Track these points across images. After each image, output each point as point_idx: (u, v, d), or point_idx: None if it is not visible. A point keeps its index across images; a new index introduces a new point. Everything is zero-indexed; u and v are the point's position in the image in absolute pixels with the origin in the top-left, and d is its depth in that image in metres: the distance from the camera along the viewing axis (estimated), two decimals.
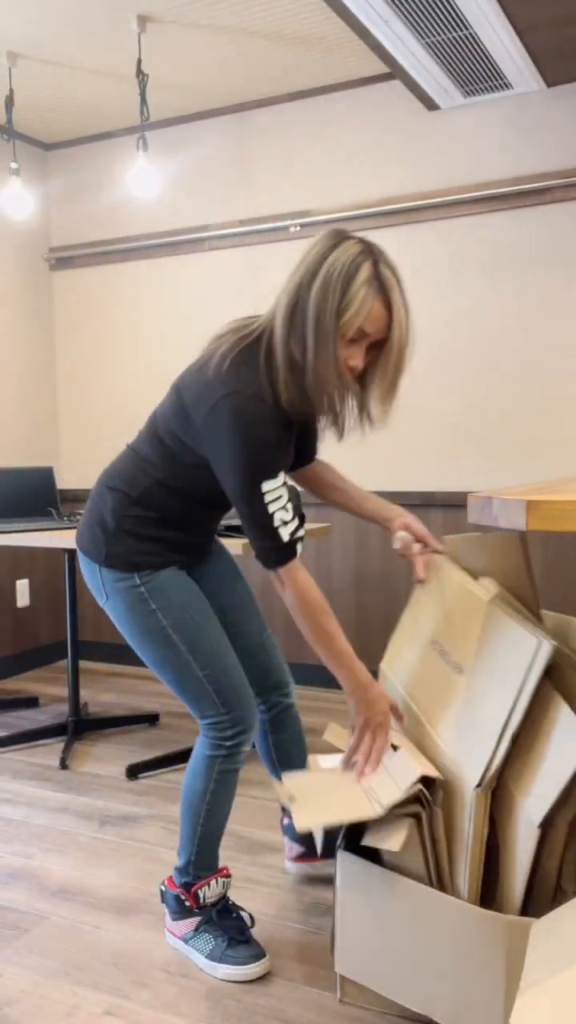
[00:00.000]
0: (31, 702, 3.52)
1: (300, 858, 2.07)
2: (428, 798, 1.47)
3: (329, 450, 3.69)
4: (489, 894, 1.48)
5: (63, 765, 2.83)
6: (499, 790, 1.45)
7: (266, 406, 1.54)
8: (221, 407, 1.53)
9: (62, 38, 3.10)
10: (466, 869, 1.44)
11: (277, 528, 1.56)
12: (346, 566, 3.66)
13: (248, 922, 1.78)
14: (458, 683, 1.58)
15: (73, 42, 3.13)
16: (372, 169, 3.51)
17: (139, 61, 3.17)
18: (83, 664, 4.19)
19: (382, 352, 1.55)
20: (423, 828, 1.47)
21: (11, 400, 4.01)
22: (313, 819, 1.51)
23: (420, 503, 3.49)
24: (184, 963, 1.75)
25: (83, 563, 1.76)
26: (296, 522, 1.58)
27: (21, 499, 3.18)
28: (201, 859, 1.77)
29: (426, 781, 1.48)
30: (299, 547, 1.60)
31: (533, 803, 1.37)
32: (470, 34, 2.71)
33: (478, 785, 1.41)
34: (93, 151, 4.08)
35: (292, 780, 1.66)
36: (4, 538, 2.76)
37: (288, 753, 2.01)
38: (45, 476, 3.27)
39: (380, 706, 1.64)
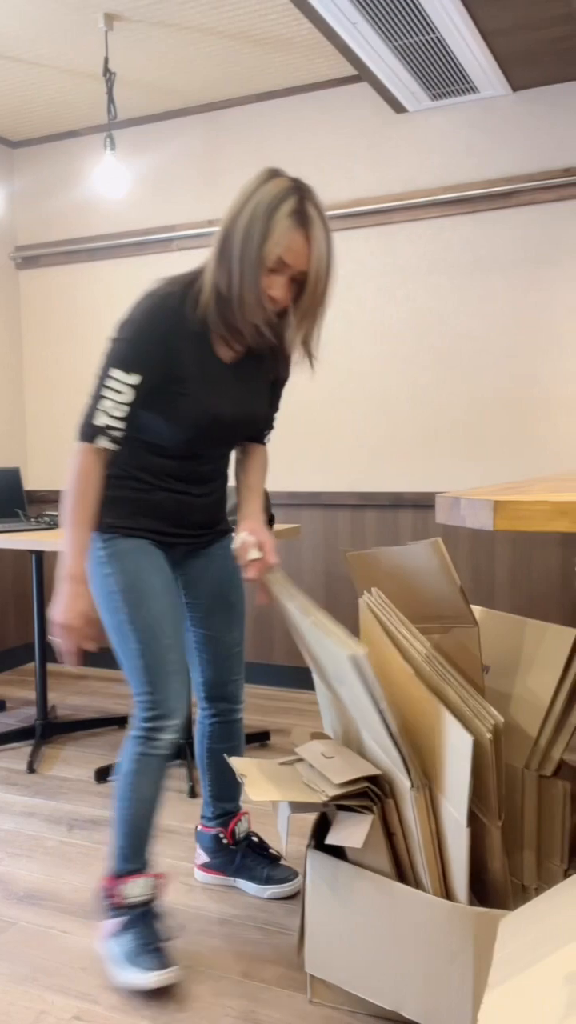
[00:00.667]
0: None
1: (205, 867, 2.05)
2: (377, 793, 1.48)
3: (299, 451, 3.71)
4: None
5: (31, 769, 2.81)
6: (431, 791, 1.46)
7: (165, 307, 1.60)
8: (134, 303, 1.63)
9: (28, 35, 3.07)
10: (424, 865, 1.45)
11: (98, 409, 1.59)
12: (315, 567, 3.66)
13: (168, 933, 1.73)
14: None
15: (39, 39, 3.11)
16: (341, 170, 3.52)
17: (106, 59, 3.15)
18: (51, 667, 4.15)
19: (303, 287, 1.60)
20: (380, 823, 1.48)
21: None
22: (264, 792, 1.51)
23: (389, 503, 3.51)
24: None
25: None
26: (118, 424, 1.60)
27: None
28: (126, 850, 1.72)
29: (375, 779, 1.48)
30: (104, 442, 1.60)
31: (453, 805, 1.39)
32: (437, 38, 2.73)
33: (412, 786, 1.42)
34: (60, 149, 4.04)
35: (241, 763, 1.65)
36: None
37: (220, 766, 1.99)
38: (12, 477, 3.24)
39: (75, 608, 1.61)
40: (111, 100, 3.23)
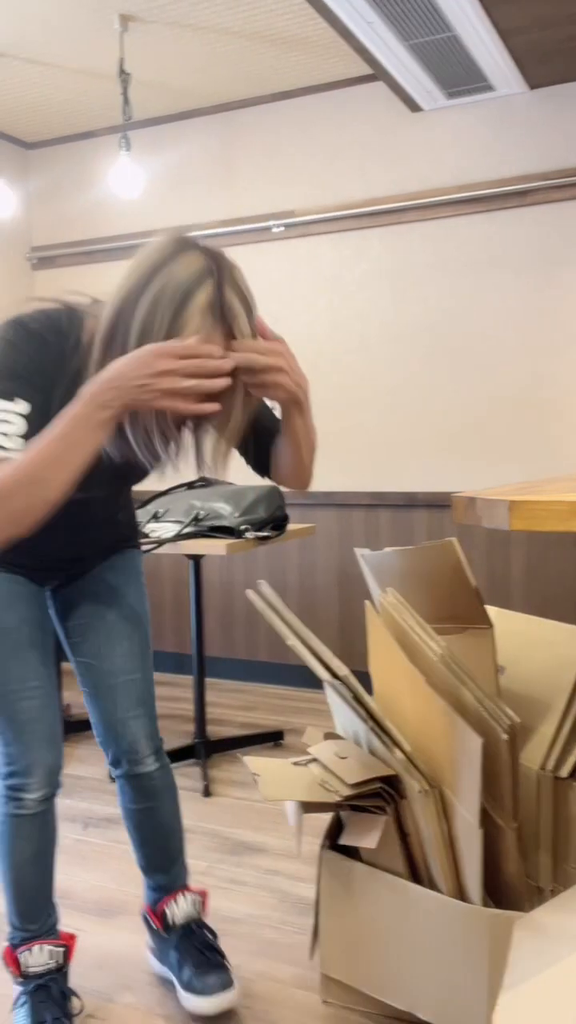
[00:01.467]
0: None
1: (150, 949, 1.72)
2: (391, 793, 1.47)
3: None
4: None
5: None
6: (443, 794, 1.46)
7: (31, 331, 1.29)
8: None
9: (44, 37, 3.08)
10: (437, 867, 1.45)
11: None
12: (330, 567, 3.66)
13: (72, 1010, 1.52)
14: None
15: (55, 41, 3.12)
16: (355, 170, 3.51)
17: (121, 60, 3.16)
18: (65, 666, 4.16)
19: (222, 396, 1.18)
20: (394, 824, 1.47)
21: None
22: (278, 792, 1.51)
23: (404, 503, 3.50)
24: None
25: None
26: (10, 445, 1.21)
27: None
28: (14, 916, 1.53)
29: (388, 779, 1.48)
30: None
31: (465, 807, 1.39)
32: (453, 36, 2.72)
33: (419, 788, 1.42)
34: (75, 150, 4.06)
35: (255, 762, 1.65)
36: None
37: (139, 830, 1.65)
38: None
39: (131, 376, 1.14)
40: (126, 101, 3.24)
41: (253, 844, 2.26)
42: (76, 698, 3.61)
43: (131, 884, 2.07)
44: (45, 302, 1.36)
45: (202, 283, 1.19)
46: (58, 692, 1.50)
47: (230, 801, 2.53)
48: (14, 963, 1.52)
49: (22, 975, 1.51)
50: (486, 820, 1.43)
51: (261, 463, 1.48)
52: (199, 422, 1.27)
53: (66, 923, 1.90)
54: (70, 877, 2.10)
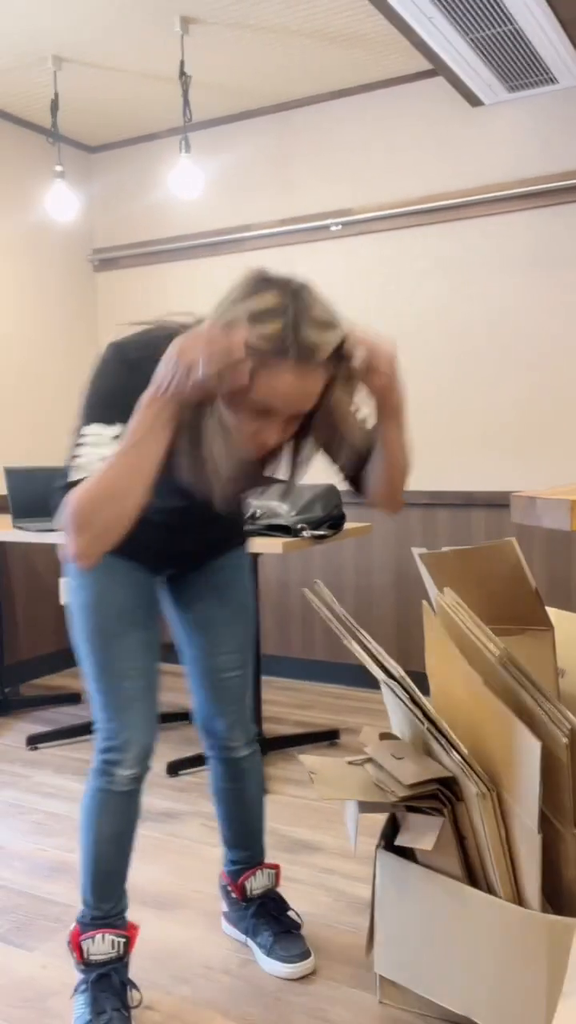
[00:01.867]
0: (73, 698, 3.57)
1: (225, 917, 1.85)
2: (448, 796, 1.46)
3: None
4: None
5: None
6: (501, 797, 1.44)
7: (122, 357, 1.36)
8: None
9: (106, 41, 3.13)
10: (494, 871, 1.43)
11: (72, 468, 1.31)
12: (386, 566, 3.64)
13: (131, 1002, 1.55)
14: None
15: (117, 45, 3.16)
16: (414, 166, 3.49)
17: (182, 63, 3.19)
18: None
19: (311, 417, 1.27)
20: (451, 826, 1.46)
21: (55, 400, 4.06)
22: (333, 791, 1.51)
23: (462, 503, 3.47)
24: (225, 959, 1.76)
25: None
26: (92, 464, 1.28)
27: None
28: (87, 892, 1.58)
29: (445, 781, 1.47)
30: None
31: (524, 811, 1.36)
32: (514, 29, 2.68)
33: (477, 791, 1.40)
34: (136, 153, 4.11)
35: (311, 760, 1.65)
36: (47, 536, 2.79)
37: (227, 809, 1.76)
38: None
39: (183, 357, 1.20)
40: (186, 103, 3.27)
41: (309, 842, 2.26)
42: None
43: (188, 878, 2.09)
44: (147, 325, 1.43)
45: (276, 322, 1.20)
46: (158, 676, 1.59)
47: (286, 799, 2.54)
48: (78, 949, 1.55)
49: (84, 963, 1.55)
50: (545, 825, 1.41)
51: (356, 482, 1.50)
52: (287, 430, 1.31)
53: None
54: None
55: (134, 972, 1.71)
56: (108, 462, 1.24)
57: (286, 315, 1.20)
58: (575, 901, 1.46)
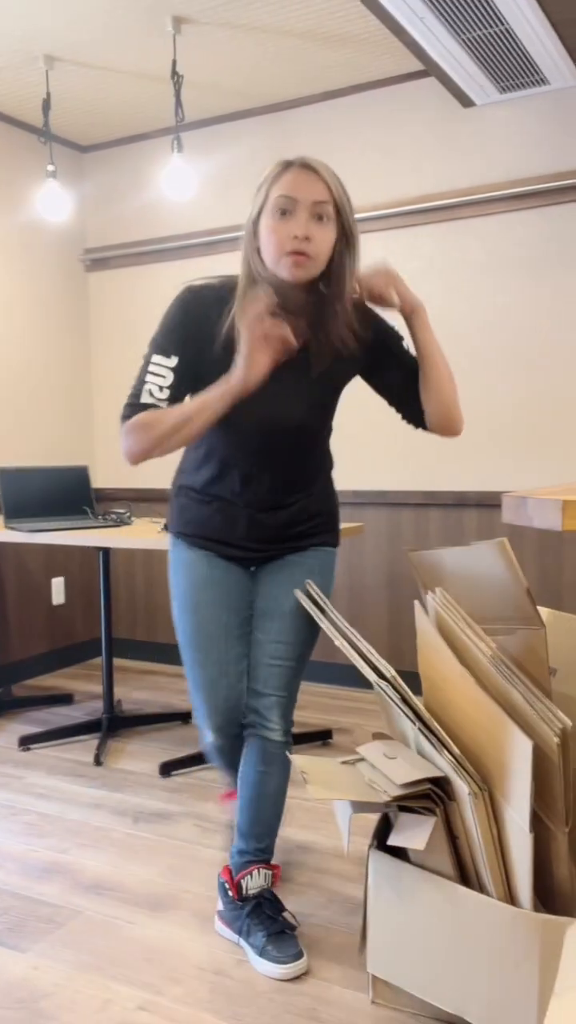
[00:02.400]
0: (66, 699, 3.56)
1: (219, 916, 1.86)
2: (440, 795, 1.46)
3: (363, 449, 3.69)
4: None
5: (97, 762, 2.86)
6: (492, 797, 1.44)
7: (191, 295, 1.66)
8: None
9: (98, 41, 3.13)
10: (487, 870, 1.43)
11: (139, 391, 1.63)
12: (379, 566, 3.65)
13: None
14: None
15: (109, 45, 3.16)
16: (407, 167, 3.49)
17: (174, 63, 3.18)
18: (117, 662, 4.23)
19: (334, 219, 1.59)
20: (443, 825, 1.46)
21: (47, 400, 4.05)
22: (326, 791, 1.51)
23: (453, 503, 3.47)
24: (217, 960, 1.76)
25: None
26: (160, 396, 1.62)
27: (56, 498, 3.22)
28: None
29: (437, 781, 1.47)
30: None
31: (516, 810, 1.37)
32: (506, 30, 2.69)
33: (470, 791, 1.41)
34: (128, 153, 4.11)
35: (303, 760, 1.65)
36: (39, 536, 2.79)
37: (252, 792, 1.79)
38: (80, 475, 3.30)
39: (250, 354, 1.54)
40: (178, 103, 3.26)
41: (302, 842, 2.26)
42: (126, 694, 3.66)
43: (180, 879, 2.09)
44: (212, 277, 1.71)
45: (280, 161, 1.61)
46: (240, 663, 1.79)
47: None
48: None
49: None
50: (537, 824, 1.42)
51: (412, 410, 1.82)
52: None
53: (115, 915, 1.93)
54: (120, 870, 2.13)
55: (125, 972, 1.71)
56: (179, 411, 1.59)
57: (290, 158, 1.61)
58: (567, 900, 1.46)
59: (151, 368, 1.63)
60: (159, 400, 1.61)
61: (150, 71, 3.37)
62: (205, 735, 1.80)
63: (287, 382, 1.65)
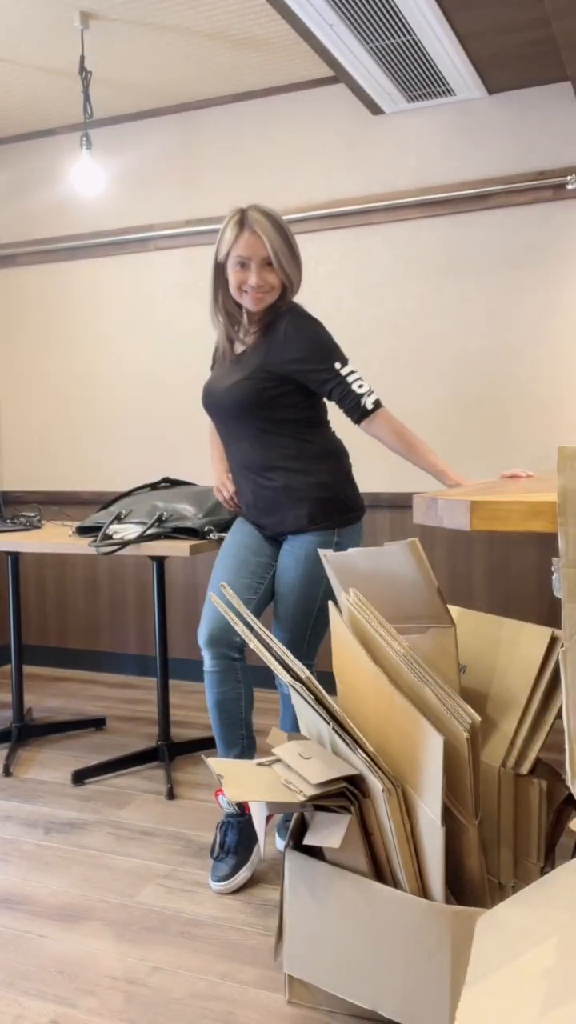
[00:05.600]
0: None
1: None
2: (355, 793, 1.48)
3: None
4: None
5: (7, 772, 2.78)
6: (405, 792, 1.47)
7: None
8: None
9: (3, 33, 3.05)
10: (400, 865, 1.46)
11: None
12: None
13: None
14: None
15: (14, 38, 3.08)
16: (318, 171, 3.52)
17: (82, 58, 3.13)
18: (27, 668, 4.12)
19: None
20: (358, 823, 1.48)
21: None
22: (242, 792, 1.51)
23: (367, 504, 3.52)
24: (132, 969, 1.73)
25: None
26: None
27: None
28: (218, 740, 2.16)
29: (352, 779, 1.49)
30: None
31: (428, 804, 1.40)
32: (413, 40, 2.74)
33: (383, 787, 1.43)
34: (36, 148, 4.02)
35: (219, 763, 1.65)
36: None
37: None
38: None
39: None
40: (87, 99, 3.21)
41: None
42: (37, 702, 3.57)
43: (93, 889, 2.05)
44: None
45: (233, 216, 2.07)
46: (244, 594, 2.14)
47: (194, 803, 2.53)
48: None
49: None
50: (448, 817, 1.45)
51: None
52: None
53: (25, 928, 1.88)
54: (31, 882, 2.08)
55: (38, 985, 1.67)
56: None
57: (243, 209, 2.09)
58: (478, 891, 1.50)
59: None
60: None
61: (58, 66, 3.30)
62: (202, 651, 2.11)
63: (229, 371, 2.17)
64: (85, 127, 3.33)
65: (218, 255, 2.10)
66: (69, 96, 3.58)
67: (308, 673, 1.51)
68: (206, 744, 2.96)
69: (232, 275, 2.08)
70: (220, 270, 2.12)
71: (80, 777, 2.70)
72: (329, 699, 1.50)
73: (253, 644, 1.61)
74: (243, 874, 2.04)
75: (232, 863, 2.05)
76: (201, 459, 3.67)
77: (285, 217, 3.58)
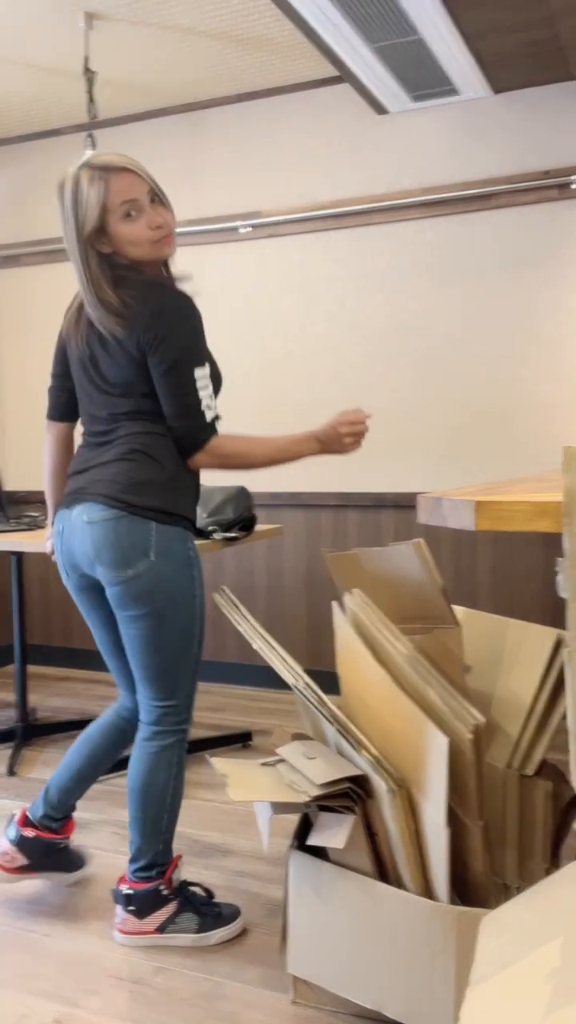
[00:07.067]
0: None
1: (17, 870, 1.95)
2: (359, 794, 1.48)
3: None
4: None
5: (11, 772, 2.79)
6: (410, 793, 1.47)
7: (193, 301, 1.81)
8: (179, 301, 1.73)
9: (7, 34, 3.05)
10: (405, 866, 1.46)
11: (208, 405, 1.74)
12: (298, 567, 3.66)
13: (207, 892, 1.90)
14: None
15: (19, 38, 3.09)
16: (322, 171, 3.52)
17: (87, 58, 3.13)
18: (32, 668, 4.13)
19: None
20: (362, 823, 1.48)
21: None
22: (246, 794, 1.51)
23: (371, 504, 3.52)
24: (135, 968, 1.73)
25: (124, 520, 1.71)
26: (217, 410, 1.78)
27: None
28: (169, 846, 1.83)
29: (356, 779, 1.49)
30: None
31: (432, 805, 1.40)
32: (418, 40, 2.74)
33: (388, 788, 1.43)
34: (40, 148, 4.02)
35: (223, 763, 1.64)
36: None
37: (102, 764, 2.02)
38: None
39: (336, 434, 1.80)
40: (92, 99, 3.21)
41: (221, 846, 2.25)
42: (41, 701, 3.58)
43: (98, 888, 2.05)
44: (169, 280, 1.84)
45: (79, 174, 1.71)
46: None
47: (198, 803, 2.53)
48: (170, 884, 1.83)
49: (175, 889, 1.84)
50: (452, 819, 1.44)
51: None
52: None
53: (30, 928, 1.88)
54: (35, 882, 2.08)
55: (41, 985, 1.67)
56: (260, 442, 1.78)
57: (79, 168, 1.72)
58: (482, 892, 1.50)
59: (203, 384, 1.73)
60: (218, 416, 1.77)
61: (62, 66, 3.31)
62: (189, 729, 1.87)
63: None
64: (90, 127, 3.33)
65: (86, 224, 1.69)
66: (74, 96, 3.58)
67: (302, 672, 1.51)
68: (210, 743, 2.96)
69: (128, 227, 1.70)
70: (94, 240, 1.71)
71: None
72: (331, 701, 1.50)
73: (256, 645, 1.60)
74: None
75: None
76: None
77: (291, 217, 3.61)
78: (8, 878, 1.94)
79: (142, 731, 1.83)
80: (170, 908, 1.81)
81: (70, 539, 1.78)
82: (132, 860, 1.82)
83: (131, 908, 1.79)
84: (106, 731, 1.99)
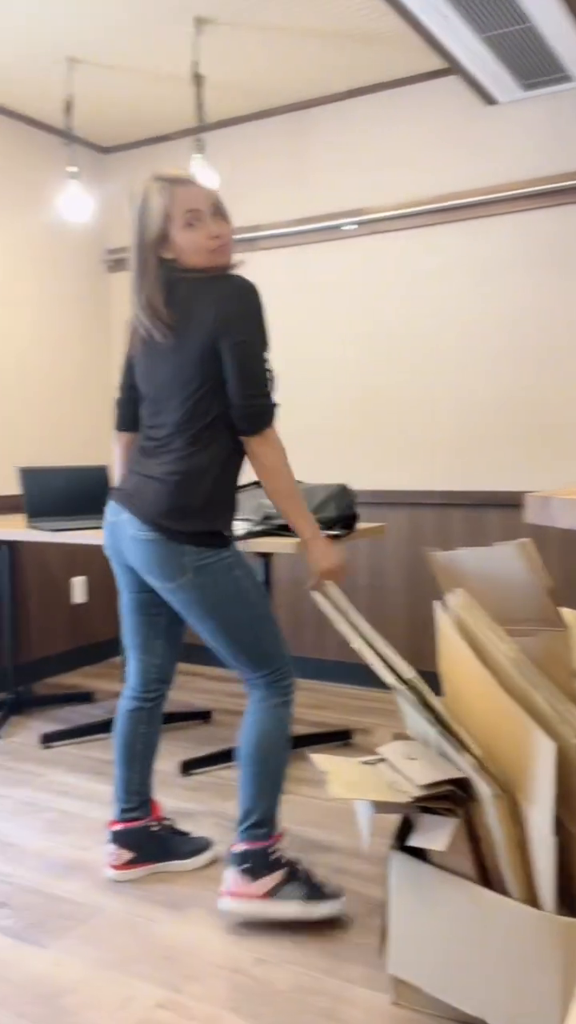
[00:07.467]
0: (86, 697, 3.58)
1: (127, 864, 2.08)
2: (462, 796, 1.45)
3: (384, 448, 3.68)
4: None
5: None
6: (515, 797, 1.43)
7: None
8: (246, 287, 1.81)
9: (119, 42, 3.14)
10: (509, 872, 1.42)
11: (271, 388, 1.83)
12: (400, 567, 3.64)
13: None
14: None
15: (130, 46, 3.17)
16: (429, 165, 3.48)
17: (195, 63, 3.19)
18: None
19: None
20: (464, 827, 1.45)
21: (69, 401, 4.08)
22: (346, 791, 1.51)
23: (477, 503, 3.46)
24: (236, 957, 1.76)
25: (162, 543, 1.84)
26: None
27: (77, 498, 3.24)
28: (276, 805, 1.91)
29: (459, 782, 1.46)
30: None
31: (538, 812, 1.36)
32: (529, 27, 2.67)
33: (492, 793, 1.40)
34: (150, 153, 4.12)
35: (324, 760, 1.64)
36: (61, 536, 2.80)
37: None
38: (100, 475, 3.32)
39: (335, 554, 1.89)
40: (200, 103, 3.27)
41: (322, 842, 2.26)
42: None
43: (200, 878, 2.09)
44: (228, 267, 1.91)
45: (153, 186, 1.88)
46: None
47: (299, 799, 2.54)
48: (277, 850, 1.90)
49: (282, 859, 1.89)
50: (558, 827, 1.41)
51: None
52: None
53: (136, 912, 1.93)
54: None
55: (144, 970, 1.72)
56: (293, 476, 1.86)
57: (150, 181, 1.91)
58: None
59: (268, 364, 1.82)
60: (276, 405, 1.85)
61: (171, 72, 3.38)
62: (292, 685, 1.95)
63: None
64: (198, 131, 3.39)
65: (150, 229, 1.83)
66: (182, 101, 3.65)
67: (414, 673, 1.49)
68: (312, 740, 2.97)
69: (188, 235, 1.82)
70: (157, 246, 1.83)
71: (188, 767, 2.76)
72: (435, 701, 1.48)
73: (356, 645, 1.60)
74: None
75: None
76: (300, 455, 3.69)
77: (396, 213, 3.58)
78: (124, 875, 2.06)
79: (253, 695, 1.94)
80: (279, 875, 1.86)
81: (120, 537, 1.92)
82: (242, 820, 1.89)
83: (246, 866, 1.85)
84: (128, 723, 2.10)
